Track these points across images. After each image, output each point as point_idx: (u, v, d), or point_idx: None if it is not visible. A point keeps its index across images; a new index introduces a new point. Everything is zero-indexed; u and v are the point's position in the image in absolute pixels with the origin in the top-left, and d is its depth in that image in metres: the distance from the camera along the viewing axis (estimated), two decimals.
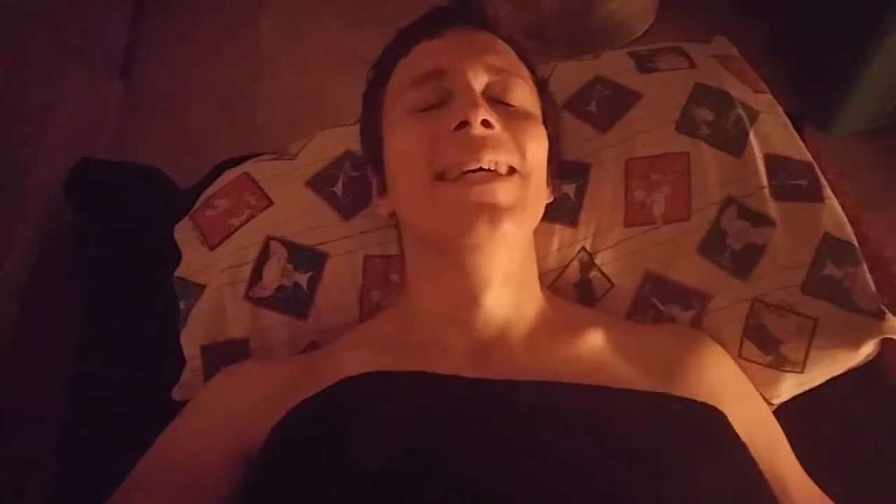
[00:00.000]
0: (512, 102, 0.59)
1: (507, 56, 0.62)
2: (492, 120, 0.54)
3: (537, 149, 0.58)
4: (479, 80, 0.58)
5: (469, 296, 0.58)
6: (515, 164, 0.55)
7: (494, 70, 0.59)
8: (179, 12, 1.71)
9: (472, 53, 0.59)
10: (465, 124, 0.54)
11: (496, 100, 0.58)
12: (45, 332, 0.80)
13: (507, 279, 0.58)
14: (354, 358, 0.56)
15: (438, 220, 0.55)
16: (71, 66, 1.30)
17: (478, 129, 0.54)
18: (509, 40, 0.65)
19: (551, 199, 0.67)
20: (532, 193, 0.57)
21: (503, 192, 0.54)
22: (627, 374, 0.56)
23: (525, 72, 0.63)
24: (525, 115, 0.59)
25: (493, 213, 0.53)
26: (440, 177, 0.55)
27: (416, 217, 0.59)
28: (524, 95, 0.60)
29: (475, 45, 0.60)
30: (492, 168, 0.54)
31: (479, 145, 0.54)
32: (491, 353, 0.56)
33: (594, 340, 0.58)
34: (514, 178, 0.55)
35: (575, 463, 0.45)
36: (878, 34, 1.20)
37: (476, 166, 0.54)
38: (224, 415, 0.56)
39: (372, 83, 0.66)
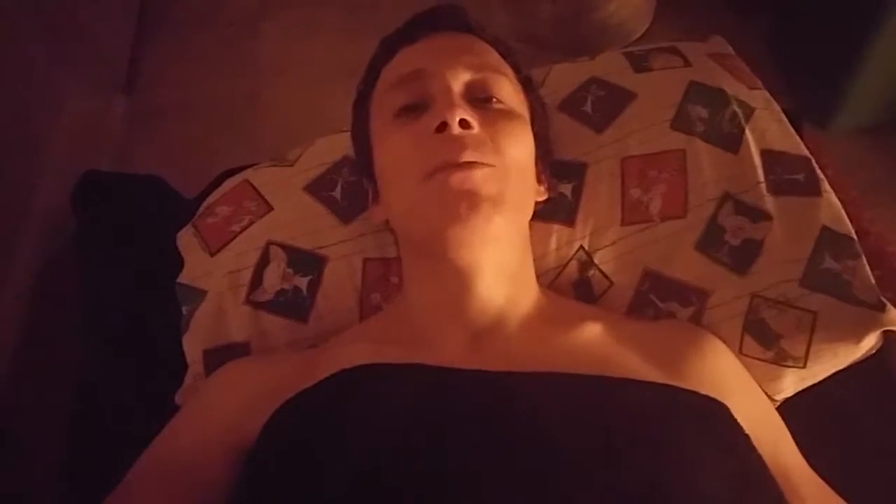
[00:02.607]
0: (494, 101, 0.59)
1: (487, 55, 0.63)
2: (470, 120, 0.55)
3: (517, 147, 0.58)
4: (459, 81, 0.58)
5: (462, 293, 0.58)
6: (494, 164, 0.56)
7: (475, 69, 0.59)
8: (181, 26, 1.73)
9: (451, 55, 0.60)
10: (444, 125, 0.55)
11: (479, 99, 0.59)
12: (51, 341, 0.80)
13: (498, 272, 0.59)
14: (351, 351, 0.56)
15: (423, 215, 0.56)
16: (74, 80, 1.32)
17: (456, 130, 0.55)
18: (493, 41, 0.65)
19: (545, 197, 0.67)
20: (514, 188, 0.57)
21: (482, 179, 0.54)
22: (628, 365, 0.55)
23: (508, 70, 0.64)
24: (507, 114, 0.60)
25: (473, 199, 0.53)
26: (426, 180, 0.55)
27: (405, 220, 0.60)
28: (507, 93, 0.61)
29: (454, 47, 0.61)
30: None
31: (459, 145, 0.54)
32: (487, 344, 0.57)
33: (593, 332, 0.58)
34: (493, 170, 0.55)
35: (575, 453, 0.45)
36: (875, 30, 1.20)
37: (456, 164, 0.54)
38: (223, 410, 0.56)
39: (360, 93, 0.67)
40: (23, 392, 0.75)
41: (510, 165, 0.57)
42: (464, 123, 0.55)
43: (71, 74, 1.31)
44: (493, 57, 0.64)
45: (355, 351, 0.56)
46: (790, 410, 0.62)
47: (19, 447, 0.71)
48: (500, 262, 0.59)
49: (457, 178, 0.53)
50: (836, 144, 1.34)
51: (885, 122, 1.38)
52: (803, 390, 0.66)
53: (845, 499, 0.55)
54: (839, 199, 0.69)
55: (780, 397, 0.66)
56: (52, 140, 1.19)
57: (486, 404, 0.49)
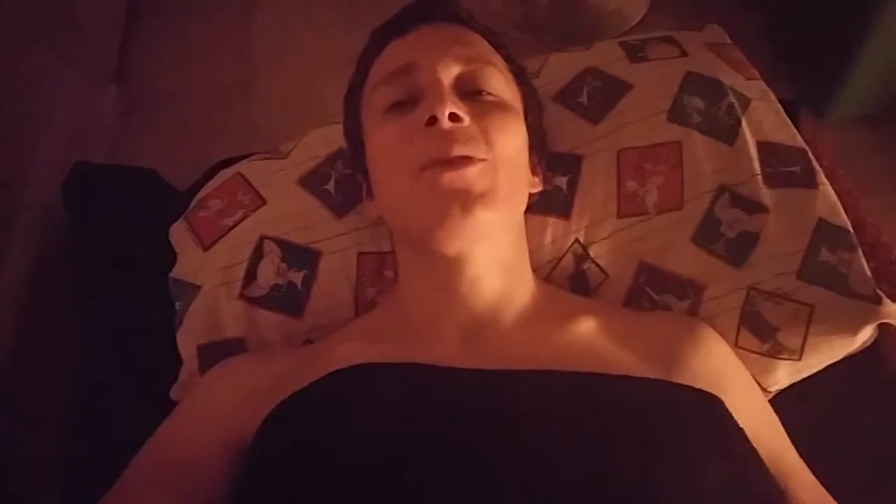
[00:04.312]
0: (486, 93, 0.59)
1: (478, 46, 0.62)
2: (460, 113, 0.55)
3: (508, 140, 0.58)
4: (448, 74, 0.58)
5: (456, 286, 0.58)
6: (485, 157, 0.55)
7: (465, 61, 0.59)
8: (173, 14, 1.71)
9: (441, 47, 0.59)
10: (434, 119, 0.54)
11: (469, 92, 0.58)
12: (45, 335, 0.80)
13: (493, 267, 0.58)
14: (346, 350, 0.56)
15: (416, 215, 0.56)
16: (65, 70, 1.30)
17: (446, 124, 0.54)
18: (483, 31, 0.65)
19: (539, 189, 0.67)
20: (506, 182, 0.56)
21: (474, 178, 0.54)
22: (623, 361, 0.55)
23: (500, 61, 0.63)
24: (498, 106, 0.59)
25: (465, 200, 0.53)
26: (417, 176, 0.55)
27: (397, 216, 0.60)
28: (499, 85, 0.60)
29: (444, 39, 0.61)
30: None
31: (450, 139, 0.54)
32: (482, 342, 0.56)
33: (588, 327, 0.58)
34: (483, 164, 0.55)
35: (571, 451, 0.45)
36: (874, 18, 1.19)
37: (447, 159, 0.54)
38: (217, 409, 0.56)
39: (350, 87, 0.66)
40: (18, 389, 0.74)
41: (502, 158, 0.56)
42: (453, 117, 0.55)
43: (61, 64, 1.29)
44: (484, 48, 0.63)
45: (350, 350, 0.56)
46: (789, 408, 0.62)
47: (16, 443, 0.71)
48: (494, 256, 0.59)
49: (448, 177, 0.53)
50: (834, 133, 1.33)
51: (882, 111, 1.37)
52: (801, 389, 0.66)
53: (844, 499, 0.55)
54: (835, 189, 0.69)
55: (775, 389, 0.66)
56: (43, 131, 1.18)
57: (481, 403, 0.49)
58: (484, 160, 0.55)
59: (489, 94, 0.59)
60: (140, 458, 0.54)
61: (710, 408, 0.52)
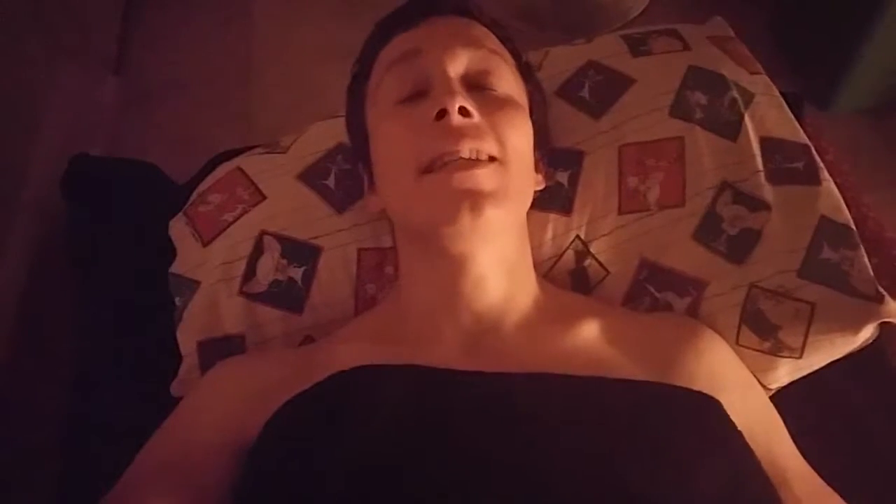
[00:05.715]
0: (493, 88, 0.58)
1: (486, 41, 0.61)
2: (470, 108, 0.54)
3: (518, 137, 0.57)
4: (457, 67, 0.57)
5: (459, 286, 0.57)
6: (495, 153, 0.55)
7: (473, 55, 0.58)
8: (172, 6, 1.69)
9: (450, 40, 0.58)
10: (444, 113, 0.54)
11: (477, 86, 0.58)
12: (44, 329, 0.80)
13: (497, 267, 0.58)
14: (348, 351, 0.56)
15: (423, 212, 0.55)
16: (64, 61, 1.29)
17: (456, 119, 0.53)
18: (491, 25, 0.64)
19: (543, 186, 0.67)
20: (515, 180, 0.56)
21: (484, 177, 0.53)
22: (623, 364, 0.55)
23: (508, 56, 0.63)
24: (507, 102, 0.58)
25: (476, 199, 0.52)
26: (425, 171, 0.55)
27: (403, 211, 0.59)
28: (507, 80, 0.60)
29: (452, 32, 0.60)
30: (473, 157, 0.54)
31: (459, 134, 0.53)
32: (484, 345, 0.56)
33: (589, 330, 0.58)
34: (495, 165, 0.55)
35: (570, 454, 0.45)
36: (877, 11, 1.18)
37: (457, 156, 0.53)
38: (219, 410, 0.56)
39: (354, 78, 0.66)
40: (18, 387, 0.74)
41: (512, 156, 0.56)
42: (463, 111, 0.54)
43: (60, 56, 1.28)
44: (493, 42, 0.62)
45: (351, 351, 0.56)
46: (791, 406, 0.61)
47: (16, 443, 0.71)
48: (499, 255, 0.58)
49: (458, 178, 0.52)
50: (837, 127, 1.32)
51: (886, 104, 1.36)
52: (800, 382, 0.66)
53: (849, 498, 0.55)
54: (838, 183, 0.69)
55: (775, 386, 0.66)
56: (42, 124, 1.17)
57: (482, 406, 0.48)
58: (495, 158, 0.55)
59: (497, 89, 0.58)
60: (141, 458, 0.53)
61: (707, 409, 0.52)
